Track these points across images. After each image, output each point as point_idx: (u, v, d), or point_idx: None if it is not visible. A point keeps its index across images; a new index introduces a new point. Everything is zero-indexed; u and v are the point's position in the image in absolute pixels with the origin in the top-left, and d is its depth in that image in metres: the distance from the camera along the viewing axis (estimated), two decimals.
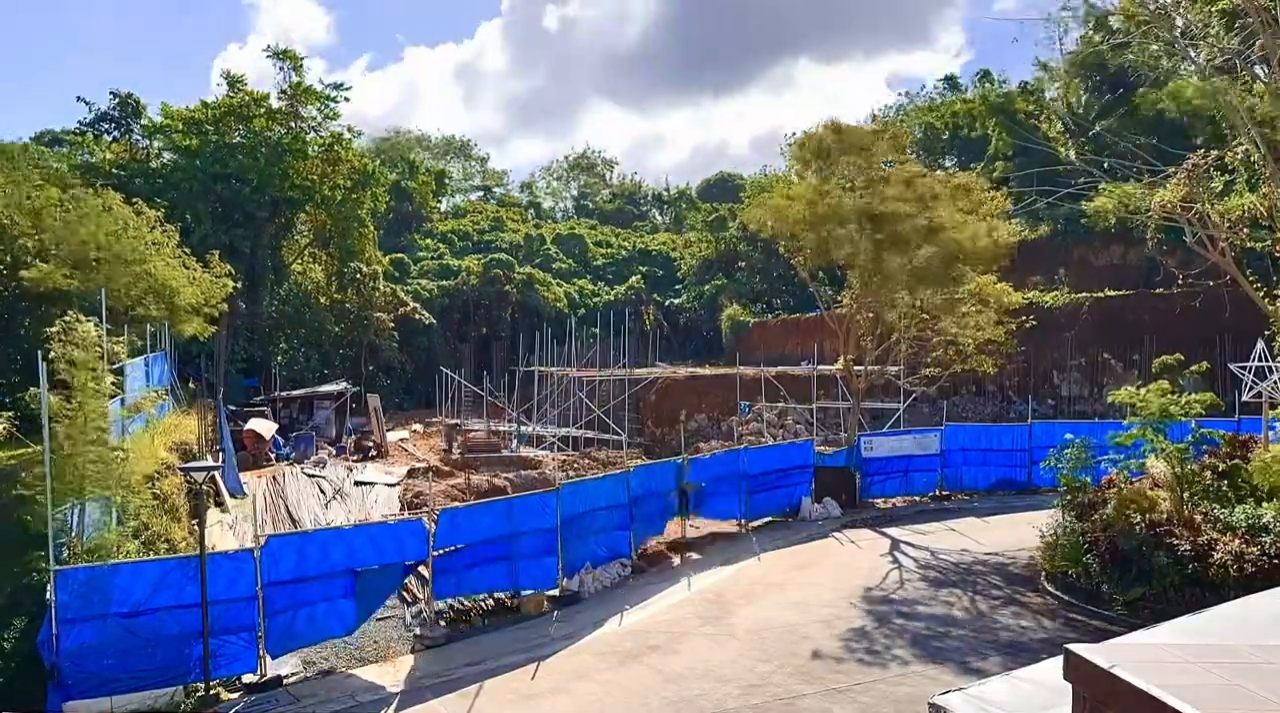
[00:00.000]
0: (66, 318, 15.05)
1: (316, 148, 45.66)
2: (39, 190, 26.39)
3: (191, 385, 32.82)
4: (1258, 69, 19.19)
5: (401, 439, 38.75)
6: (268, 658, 13.96)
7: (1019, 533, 21.79)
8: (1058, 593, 17.44)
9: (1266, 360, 24.16)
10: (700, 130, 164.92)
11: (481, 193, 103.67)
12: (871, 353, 30.05)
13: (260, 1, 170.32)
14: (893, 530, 23.70)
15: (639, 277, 69.18)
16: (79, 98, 45.68)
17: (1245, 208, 19.22)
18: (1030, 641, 14.95)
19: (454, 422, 38.49)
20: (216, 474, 22.27)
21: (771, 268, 59.29)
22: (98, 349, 14.96)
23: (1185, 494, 16.72)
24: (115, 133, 44.39)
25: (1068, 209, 40.16)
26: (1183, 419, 17.54)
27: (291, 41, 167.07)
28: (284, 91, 44.80)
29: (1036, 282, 43.05)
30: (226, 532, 20.77)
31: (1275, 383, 22.63)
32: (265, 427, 31.98)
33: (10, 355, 24.03)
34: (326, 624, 14.52)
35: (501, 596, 17.35)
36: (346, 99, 46.26)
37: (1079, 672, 3.12)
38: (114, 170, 39.49)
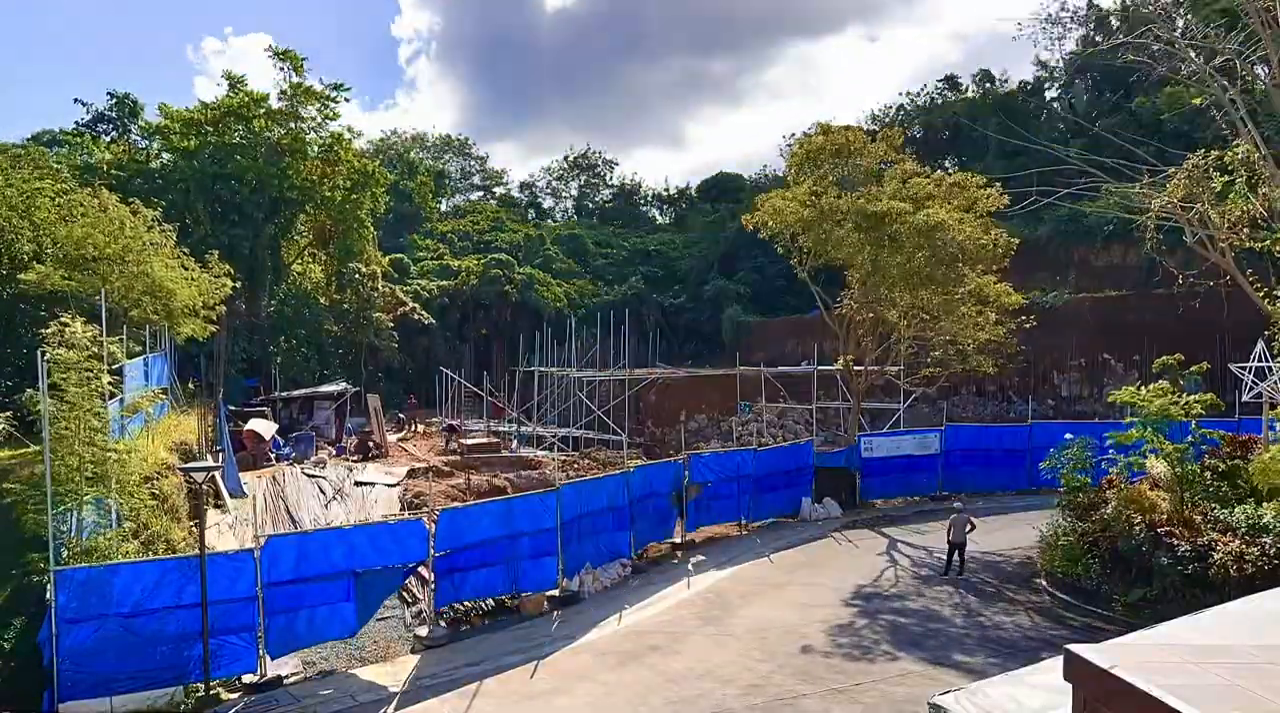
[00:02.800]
0: (62, 319, 15.00)
1: (316, 148, 45.64)
2: (37, 191, 26.37)
3: (191, 386, 32.79)
4: (1258, 69, 19.17)
5: (401, 439, 38.72)
6: (268, 658, 13.95)
7: (1019, 533, 21.81)
8: (1057, 593, 17.44)
9: (1266, 360, 24.13)
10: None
11: (481, 193, 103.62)
12: (871, 353, 30.05)
13: None
14: (892, 531, 23.71)
15: (639, 277, 69.14)
16: (76, 99, 45.79)
17: (1244, 209, 19.20)
18: (1029, 641, 14.95)
19: (454, 422, 38.35)
20: (216, 474, 22.26)
21: (771, 268, 59.28)
22: (93, 350, 14.91)
23: (1185, 494, 16.71)
24: (113, 133, 44.36)
25: (1068, 209, 40.18)
26: (1183, 419, 17.53)
27: None
28: (284, 92, 44.78)
29: (1037, 282, 43.05)
30: (226, 532, 20.74)
31: (1275, 383, 22.60)
32: (265, 427, 31.93)
33: (10, 356, 24.05)
34: (327, 626, 14.51)
35: (501, 596, 17.35)
36: (346, 99, 46.30)
37: (1079, 672, 3.11)
38: (113, 171, 39.47)
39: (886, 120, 64.99)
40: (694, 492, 22.49)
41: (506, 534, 16.98)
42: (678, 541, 22.33)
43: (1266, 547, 14.53)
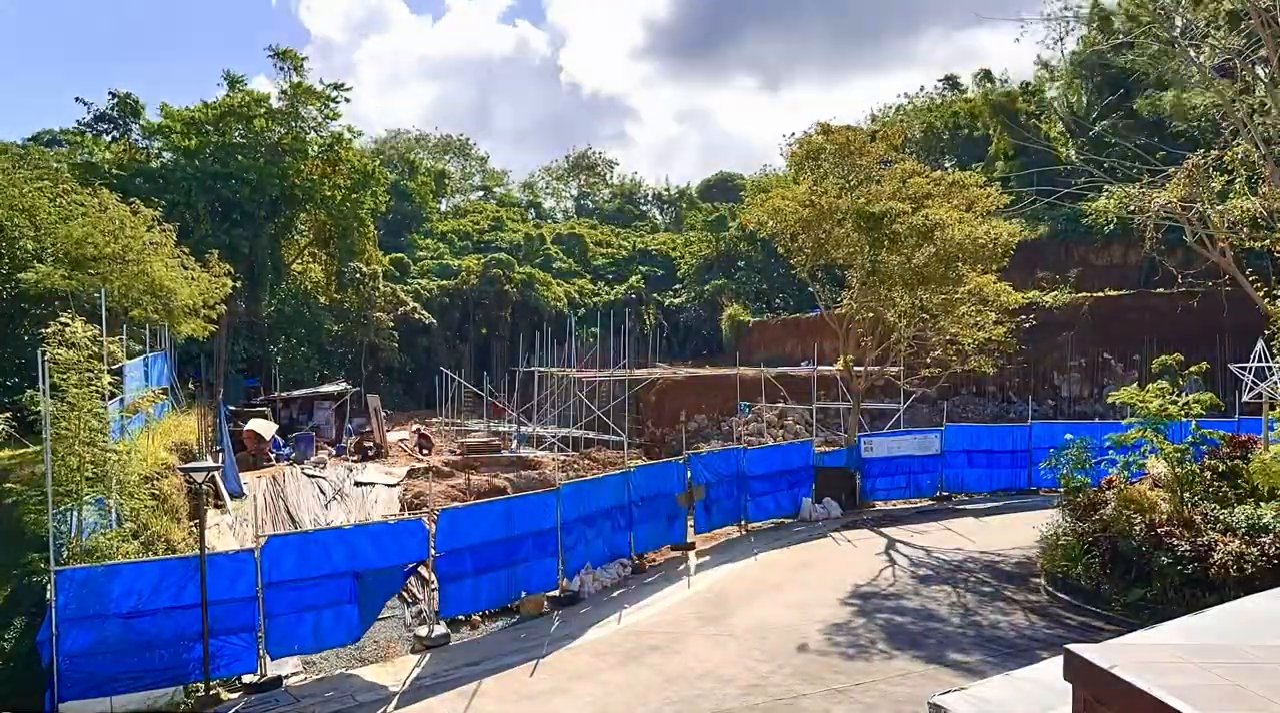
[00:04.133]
0: (62, 319, 15.01)
1: (317, 148, 45.65)
2: (37, 190, 26.37)
3: (191, 386, 32.80)
4: (1259, 69, 19.17)
5: (401, 439, 38.73)
6: (268, 658, 13.94)
7: (1019, 533, 21.80)
8: (1058, 593, 17.43)
9: (1266, 360, 24.14)
10: None
11: (481, 193, 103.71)
12: (871, 353, 30.02)
13: None
14: (893, 531, 23.70)
15: (639, 277, 69.22)
16: (78, 98, 45.69)
17: (1244, 209, 19.20)
18: (1030, 641, 14.95)
19: (422, 428, 37.62)
20: (216, 474, 22.26)
21: (771, 268, 59.34)
22: (93, 350, 14.91)
23: (1185, 494, 16.71)
24: (114, 133, 44.37)
25: (1068, 209, 40.21)
26: (1183, 419, 17.53)
27: None
28: (284, 92, 44.79)
29: (1037, 282, 43.07)
30: (226, 532, 20.76)
31: (1275, 383, 22.60)
32: (265, 427, 31.93)
33: (10, 356, 24.06)
34: (330, 630, 14.46)
35: (501, 597, 17.32)
36: (347, 99, 46.25)
37: (1079, 672, 3.11)
38: (113, 171, 39.47)
39: (887, 120, 65.02)
40: (699, 493, 22.49)
41: (507, 534, 16.97)
42: (678, 541, 22.31)
43: (1266, 547, 14.53)
